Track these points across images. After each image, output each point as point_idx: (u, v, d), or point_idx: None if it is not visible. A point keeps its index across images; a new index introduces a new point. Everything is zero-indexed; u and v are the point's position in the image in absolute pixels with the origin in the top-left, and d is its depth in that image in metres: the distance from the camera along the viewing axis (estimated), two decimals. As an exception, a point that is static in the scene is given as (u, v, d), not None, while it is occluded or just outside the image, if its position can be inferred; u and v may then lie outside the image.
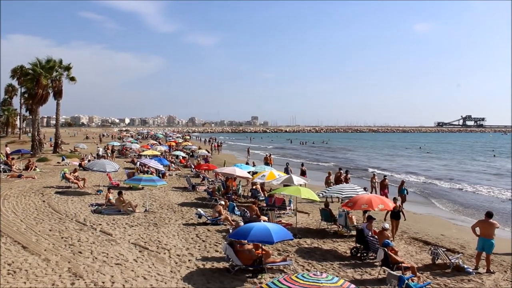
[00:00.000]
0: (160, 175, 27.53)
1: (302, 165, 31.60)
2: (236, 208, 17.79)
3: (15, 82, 67.78)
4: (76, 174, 24.77)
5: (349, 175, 24.99)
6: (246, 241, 10.61)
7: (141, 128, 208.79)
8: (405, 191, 21.12)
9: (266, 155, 37.47)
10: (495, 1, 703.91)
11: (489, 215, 12.15)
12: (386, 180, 22.24)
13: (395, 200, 15.54)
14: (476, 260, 11.92)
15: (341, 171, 25.69)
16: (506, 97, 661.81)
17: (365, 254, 12.46)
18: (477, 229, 11.91)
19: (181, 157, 40.52)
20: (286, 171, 28.13)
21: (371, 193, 20.86)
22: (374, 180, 23.59)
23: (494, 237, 11.74)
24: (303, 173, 27.60)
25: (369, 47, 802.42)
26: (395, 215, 14.87)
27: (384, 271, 10.54)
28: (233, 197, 21.16)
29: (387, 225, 12.91)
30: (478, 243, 11.81)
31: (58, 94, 43.83)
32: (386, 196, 20.04)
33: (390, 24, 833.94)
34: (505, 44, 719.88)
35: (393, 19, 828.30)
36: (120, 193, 18.36)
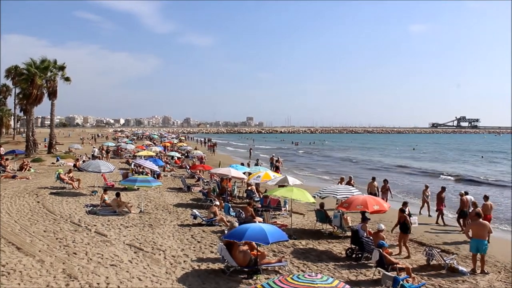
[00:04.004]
0: (155, 175, 27.49)
1: (277, 160, 32.21)
2: (231, 209, 17.81)
3: (9, 82, 67.34)
4: (70, 174, 24.68)
5: (388, 185, 21.04)
6: (242, 241, 10.63)
7: (136, 129, 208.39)
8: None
9: (272, 156, 37.35)
10: (488, 2, 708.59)
11: (478, 215, 12.22)
12: (444, 194, 18.73)
13: (402, 210, 13.79)
14: (473, 262, 11.89)
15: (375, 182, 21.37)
16: (500, 98, 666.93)
17: (360, 255, 12.50)
18: (470, 231, 11.96)
19: (176, 158, 40.48)
20: (256, 165, 29.71)
21: (422, 207, 19.87)
22: (427, 194, 19.85)
23: (487, 237, 11.82)
24: (276, 168, 28.14)
25: (365, 48, 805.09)
26: (402, 227, 13.32)
27: (379, 272, 10.59)
28: (228, 198, 21.17)
29: (382, 226, 12.94)
30: (471, 245, 11.81)
31: (52, 95, 43.69)
32: (442, 212, 18.25)
33: (386, 25, 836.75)
34: (500, 45, 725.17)
35: (389, 20, 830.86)
36: (118, 195, 18.30)
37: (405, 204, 14.37)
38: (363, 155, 69.49)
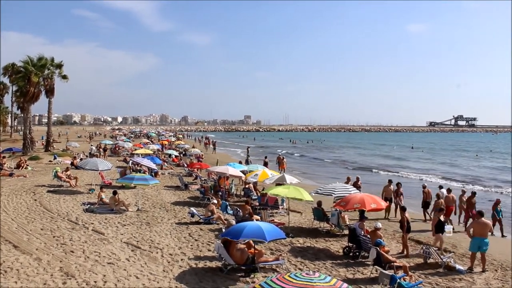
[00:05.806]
0: (153, 173, 27.45)
1: (266, 157, 32.55)
2: (228, 207, 17.79)
3: (6, 80, 66.92)
4: (68, 172, 24.63)
5: (401, 189, 18.98)
6: (239, 240, 10.63)
7: (134, 127, 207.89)
8: (500, 213, 16.73)
9: (279, 155, 37.26)
10: (488, 2, 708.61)
11: (481, 214, 12.26)
12: (475, 198, 17.40)
13: (403, 208, 13.67)
14: (471, 260, 11.91)
15: (392, 186, 19.22)
16: (499, 97, 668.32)
17: (357, 253, 12.52)
18: (472, 229, 11.95)
19: (173, 156, 40.44)
20: (247, 162, 30.40)
21: (460, 215, 17.88)
22: (464, 199, 17.68)
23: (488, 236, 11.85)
24: (265, 165, 28.37)
25: (363, 47, 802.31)
26: (404, 226, 13.16)
27: (376, 270, 10.61)
28: (226, 196, 21.15)
29: (379, 225, 12.96)
30: (473, 243, 11.77)
31: (50, 92, 43.64)
32: (473, 218, 15.71)
33: (384, 25, 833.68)
34: (498, 44, 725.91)
35: (388, 20, 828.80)
36: (115, 193, 18.26)
37: (441, 210, 14.38)
38: (346, 154, 68.69)
